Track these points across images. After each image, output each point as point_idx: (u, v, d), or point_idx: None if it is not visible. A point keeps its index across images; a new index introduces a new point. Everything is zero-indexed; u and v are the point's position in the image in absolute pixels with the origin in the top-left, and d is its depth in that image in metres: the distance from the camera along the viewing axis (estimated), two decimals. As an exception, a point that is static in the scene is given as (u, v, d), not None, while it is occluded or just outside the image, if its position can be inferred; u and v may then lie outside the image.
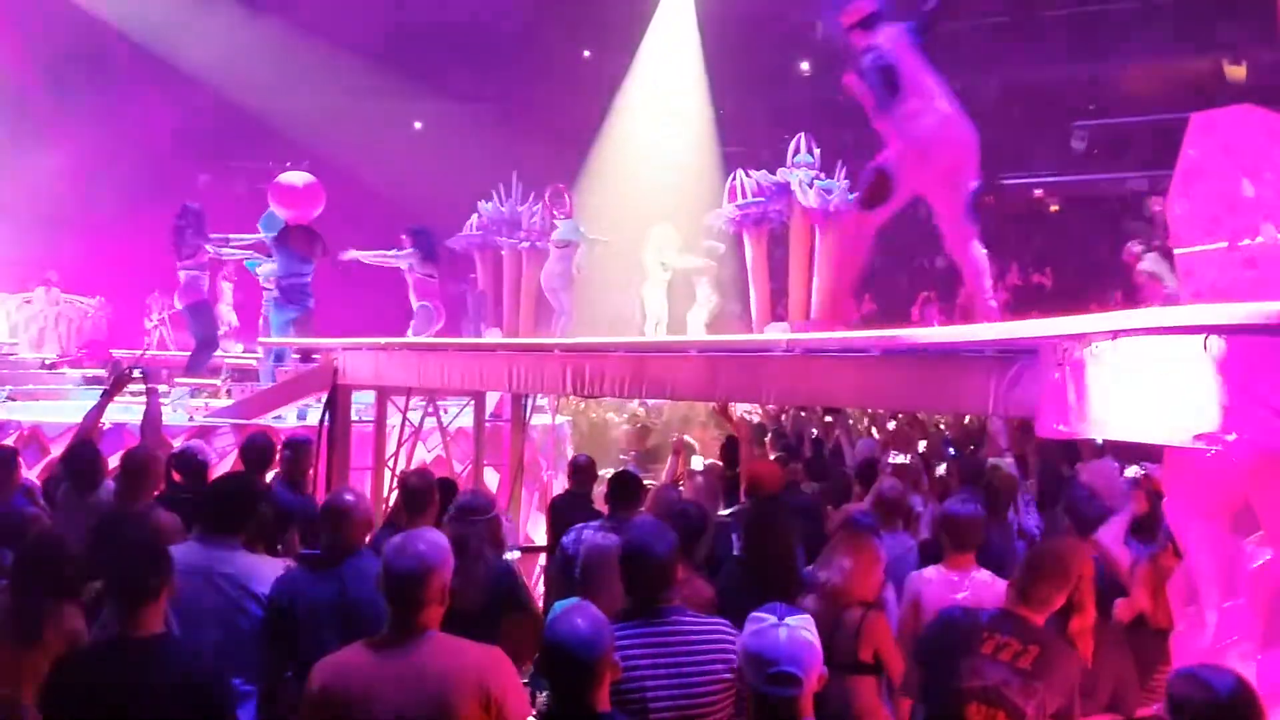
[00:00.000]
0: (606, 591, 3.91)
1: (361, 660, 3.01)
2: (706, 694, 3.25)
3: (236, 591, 3.88)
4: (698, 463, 9.01)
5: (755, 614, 2.91)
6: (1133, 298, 11.42)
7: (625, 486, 5.52)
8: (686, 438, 10.70)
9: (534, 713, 3.28)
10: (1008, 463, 6.12)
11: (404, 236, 11.56)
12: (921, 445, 9.80)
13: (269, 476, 6.19)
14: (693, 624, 3.36)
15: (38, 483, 6.11)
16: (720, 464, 7.94)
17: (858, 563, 4.21)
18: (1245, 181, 3.33)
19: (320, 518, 4.16)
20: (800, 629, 2.82)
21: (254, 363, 12.12)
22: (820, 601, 4.11)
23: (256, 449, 6.20)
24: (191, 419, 9.39)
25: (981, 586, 4.50)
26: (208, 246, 10.75)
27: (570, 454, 9.89)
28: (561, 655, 2.80)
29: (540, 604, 5.64)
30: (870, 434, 10.93)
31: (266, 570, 3.99)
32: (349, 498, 4.13)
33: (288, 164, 21.85)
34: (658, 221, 14.90)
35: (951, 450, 9.00)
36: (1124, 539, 4.63)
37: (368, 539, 4.36)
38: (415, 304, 11.46)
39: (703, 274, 14.48)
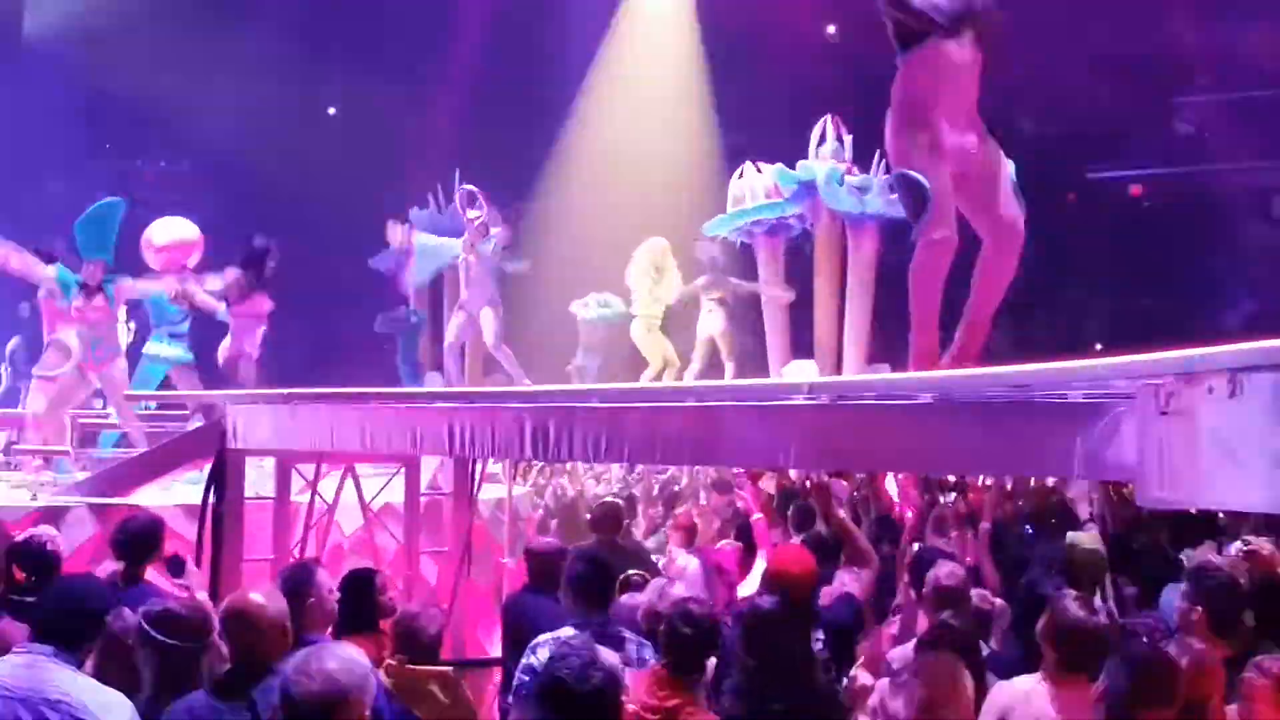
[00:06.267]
0: None
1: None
2: None
3: None
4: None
5: None
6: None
7: (594, 580, 5.44)
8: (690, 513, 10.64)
9: None
10: (1092, 536, 6.10)
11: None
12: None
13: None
14: None
15: None
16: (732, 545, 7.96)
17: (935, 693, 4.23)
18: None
19: (222, 628, 4.10)
20: None
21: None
22: None
23: (135, 536, 6.11)
24: (35, 498, 9.30)
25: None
26: None
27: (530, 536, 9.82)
28: None
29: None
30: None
31: (114, 702, 3.89)
32: (258, 598, 4.09)
33: (161, 163, 21.75)
34: (642, 233, 14.71)
35: (1030, 530, 8.98)
36: None
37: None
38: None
39: (711, 295, 13.92)
